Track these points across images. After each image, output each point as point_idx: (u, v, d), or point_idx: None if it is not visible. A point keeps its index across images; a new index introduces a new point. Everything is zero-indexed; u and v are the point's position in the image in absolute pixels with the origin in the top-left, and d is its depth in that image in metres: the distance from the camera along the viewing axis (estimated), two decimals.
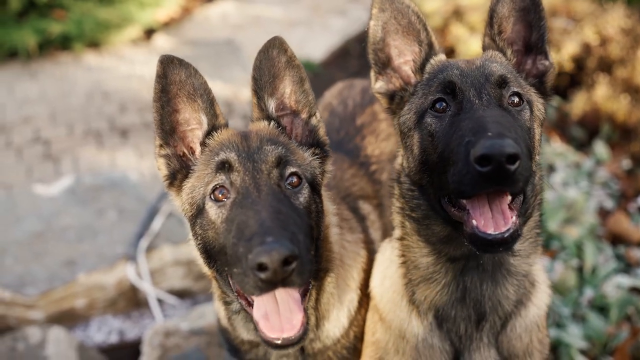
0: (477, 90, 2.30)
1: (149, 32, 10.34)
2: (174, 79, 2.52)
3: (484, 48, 2.63)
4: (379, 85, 2.64)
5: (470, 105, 2.26)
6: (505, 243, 2.15)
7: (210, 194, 2.42)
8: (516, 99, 2.37)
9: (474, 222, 2.17)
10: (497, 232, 2.14)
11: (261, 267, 2.06)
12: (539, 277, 2.71)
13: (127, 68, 9.08)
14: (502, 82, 2.35)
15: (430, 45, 2.58)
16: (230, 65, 8.67)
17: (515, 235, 2.16)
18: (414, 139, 2.43)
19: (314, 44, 9.47)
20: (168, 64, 2.50)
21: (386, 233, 3.25)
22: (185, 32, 10.40)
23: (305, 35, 9.86)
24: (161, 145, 2.61)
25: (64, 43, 9.50)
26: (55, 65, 9.39)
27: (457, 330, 2.58)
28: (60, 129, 7.80)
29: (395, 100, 2.62)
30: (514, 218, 2.19)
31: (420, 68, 2.58)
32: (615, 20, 6.23)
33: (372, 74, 2.65)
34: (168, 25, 10.70)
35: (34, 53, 9.34)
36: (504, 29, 2.60)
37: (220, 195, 2.40)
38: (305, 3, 11.06)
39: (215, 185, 2.41)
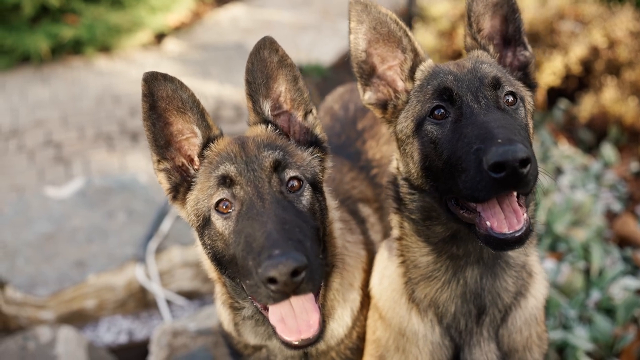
0: (474, 95, 2.32)
1: (160, 37, 10.43)
2: (161, 95, 2.48)
3: (468, 49, 2.65)
4: (367, 96, 2.63)
5: (470, 110, 2.28)
6: (521, 241, 2.18)
7: (214, 207, 2.43)
8: (511, 98, 2.40)
9: (488, 223, 2.19)
10: (512, 231, 2.17)
11: (271, 281, 2.10)
12: (536, 268, 2.73)
13: (137, 72, 9.16)
14: (497, 84, 2.37)
15: (415, 52, 2.57)
16: (240, 69, 8.67)
17: (528, 232, 2.20)
18: (413, 146, 2.44)
19: (324, 48, 9.51)
20: (152, 81, 2.46)
21: (387, 235, 3.26)
22: (195, 37, 10.47)
23: (314, 39, 9.90)
24: (159, 161, 2.59)
25: (76, 47, 9.61)
26: (67, 69, 9.49)
27: (458, 325, 2.60)
28: (71, 132, 7.88)
29: (388, 109, 2.61)
30: (525, 215, 2.22)
31: (410, 75, 2.57)
32: (624, 23, 6.20)
33: (359, 86, 2.64)
34: (178, 29, 10.78)
35: (46, 57, 9.44)
36: (482, 26, 2.63)
37: (224, 208, 2.41)
38: (314, 7, 11.11)
39: (219, 199, 2.42)
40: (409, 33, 2.56)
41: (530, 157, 2.02)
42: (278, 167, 2.43)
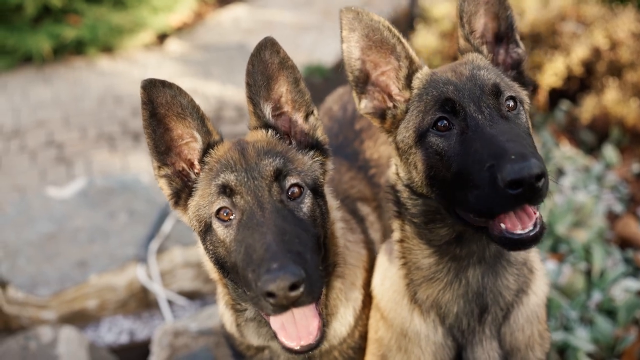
0: (476, 105, 2.30)
1: (162, 37, 10.45)
2: (160, 102, 2.45)
3: (462, 51, 2.62)
4: (363, 104, 2.59)
5: (475, 122, 2.26)
6: (536, 239, 2.18)
7: (215, 215, 2.42)
8: (511, 103, 2.38)
9: (502, 225, 2.20)
10: (526, 231, 2.17)
11: (270, 295, 2.11)
12: (537, 264, 2.74)
13: (139, 72, 9.18)
14: (497, 91, 2.35)
15: (410, 59, 2.52)
16: (242, 69, 8.63)
17: (542, 230, 2.20)
18: (417, 156, 2.42)
19: (325, 49, 9.52)
20: (151, 88, 2.43)
21: (386, 234, 3.27)
22: (197, 37, 10.49)
23: (316, 39, 9.91)
24: (159, 167, 2.58)
25: (78, 48, 9.64)
26: (69, 69, 9.51)
27: (460, 325, 2.60)
28: (73, 132, 7.90)
29: (387, 119, 2.58)
30: (537, 213, 2.23)
31: (407, 84, 2.53)
32: (626, 24, 6.19)
33: (354, 95, 2.59)
34: (181, 30, 10.80)
35: (48, 58, 9.46)
36: (474, 26, 2.61)
37: (225, 215, 2.40)
38: (317, 7, 11.12)
39: (219, 207, 2.41)
40: (403, 40, 2.51)
41: (545, 171, 2.03)
42: (279, 175, 2.42)
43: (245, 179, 2.40)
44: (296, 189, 2.44)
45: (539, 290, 2.72)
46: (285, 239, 2.21)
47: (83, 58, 9.74)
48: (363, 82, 2.56)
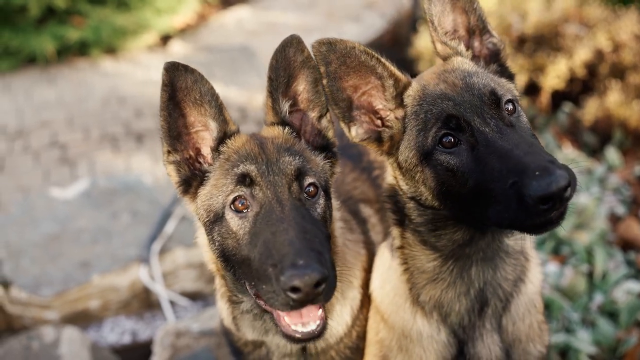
0: (480, 117, 2.26)
1: (165, 38, 10.47)
2: (180, 86, 2.45)
3: (443, 57, 2.57)
4: (354, 132, 2.53)
5: (483, 136, 2.22)
6: (562, 214, 2.13)
7: (230, 204, 2.42)
8: (510, 106, 2.35)
9: None
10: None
11: (294, 290, 2.13)
12: (531, 252, 2.75)
13: (143, 73, 9.20)
14: (497, 99, 2.31)
15: (394, 77, 2.46)
16: (245, 71, 8.76)
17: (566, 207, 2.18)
18: (425, 174, 2.38)
19: None
20: (174, 71, 2.42)
21: (388, 236, 3.28)
22: (200, 38, 10.51)
23: None
24: (169, 152, 2.58)
25: (82, 49, 9.66)
26: (73, 70, 9.54)
27: (462, 322, 2.61)
28: (76, 133, 7.92)
29: (384, 141, 2.53)
30: None
31: (399, 102, 2.48)
32: (629, 26, 6.19)
33: (343, 126, 2.54)
34: (184, 31, 10.82)
35: (52, 59, 9.49)
36: (446, 27, 2.59)
37: (241, 206, 2.41)
38: (320, 9, 11.13)
39: (236, 196, 2.41)
40: (383, 60, 2.45)
41: (569, 177, 2.01)
42: (300, 174, 2.44)
43: (266, 173, 2.41)
44: (312, 189, 2.47)
45: (534, 279, 2.74)
46: (307, 237, 2.24)
47: (87, 59, 9.77)
48: (348, 109, 2.51)
